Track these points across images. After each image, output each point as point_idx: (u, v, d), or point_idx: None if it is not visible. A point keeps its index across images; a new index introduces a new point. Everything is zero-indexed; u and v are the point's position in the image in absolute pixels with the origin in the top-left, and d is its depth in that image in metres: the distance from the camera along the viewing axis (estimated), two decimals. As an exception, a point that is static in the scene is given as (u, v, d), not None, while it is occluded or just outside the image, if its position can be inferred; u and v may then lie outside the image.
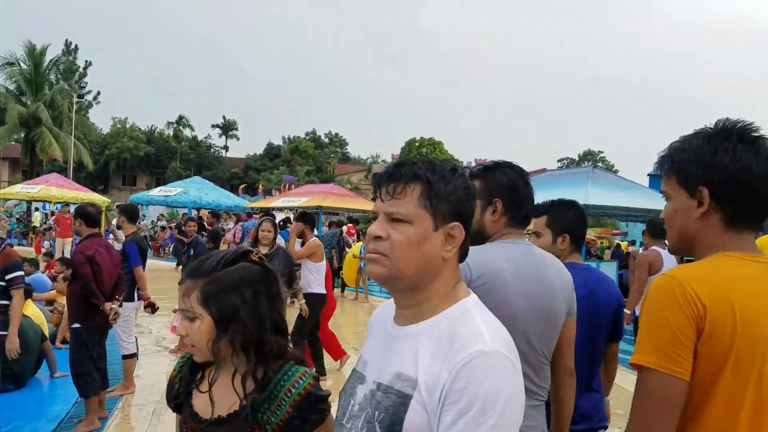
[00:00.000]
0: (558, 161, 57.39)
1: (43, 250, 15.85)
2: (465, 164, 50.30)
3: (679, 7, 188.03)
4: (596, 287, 2.50)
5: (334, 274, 10.72)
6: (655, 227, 5.94)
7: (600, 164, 41.23)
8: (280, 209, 19.02)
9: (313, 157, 60.24)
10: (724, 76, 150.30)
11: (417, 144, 38.81)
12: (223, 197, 23.81)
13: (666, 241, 1.66)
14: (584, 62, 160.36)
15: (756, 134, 1.29)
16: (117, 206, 16.36)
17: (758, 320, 1.21)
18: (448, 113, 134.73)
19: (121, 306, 5.12)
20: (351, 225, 15.99)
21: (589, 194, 10.34)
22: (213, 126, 65.11)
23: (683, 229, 1.35)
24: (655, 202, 11.94)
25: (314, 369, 5.83)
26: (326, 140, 71.97)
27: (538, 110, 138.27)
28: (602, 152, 57.39)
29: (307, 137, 66.96)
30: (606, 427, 2.58)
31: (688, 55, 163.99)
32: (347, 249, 13.20)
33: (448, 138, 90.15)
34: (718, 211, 1.30)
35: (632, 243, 19.92)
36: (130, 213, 6.02)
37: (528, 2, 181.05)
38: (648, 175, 25.32)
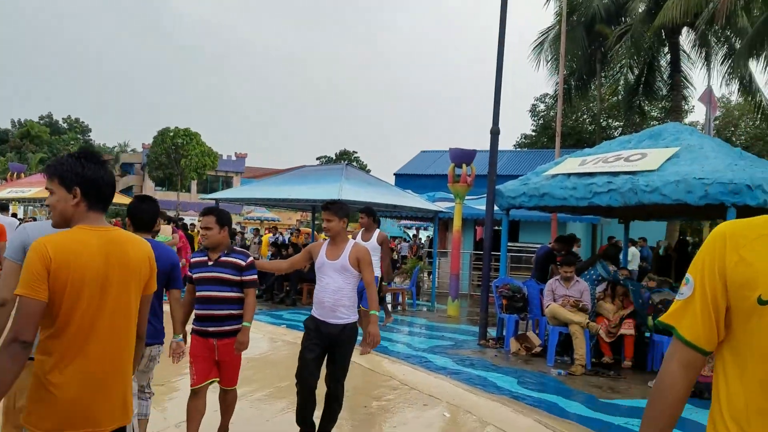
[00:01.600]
0: (317, 159, 59.42)
1: None
2: (225, 157, 49.17)
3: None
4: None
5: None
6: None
7: (354, 163, 43.67)
8: (8, 200, 16.68)
9: (49, 143, 53.99)
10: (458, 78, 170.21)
11: (171, 134, 36.71)
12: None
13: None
14: (339, 67, 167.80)
15: (102, 159, 2.27)
16: None
17: (82, 265, 2.07)
18: (210, 104, 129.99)
19: None
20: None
21: (342, 189, 11.06)
22: None
23: (64, 212, 2.19)
24: (401, 198, 13.25)
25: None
26: (65, 126, 65.02)
27: (301, 110, 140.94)
28: (356, 152, 60.91)
29: (42, 122, 60.07)
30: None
31: (428, 62, 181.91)
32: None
33: (207, 130, 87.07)
34: (84, 201, 2.18)
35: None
36: None
37: (281, 6, 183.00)
38: (394, 174, 27.71)
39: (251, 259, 4.14)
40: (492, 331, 9.34)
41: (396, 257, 17.31)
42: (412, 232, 26.76)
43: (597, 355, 7.77)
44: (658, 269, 11.27)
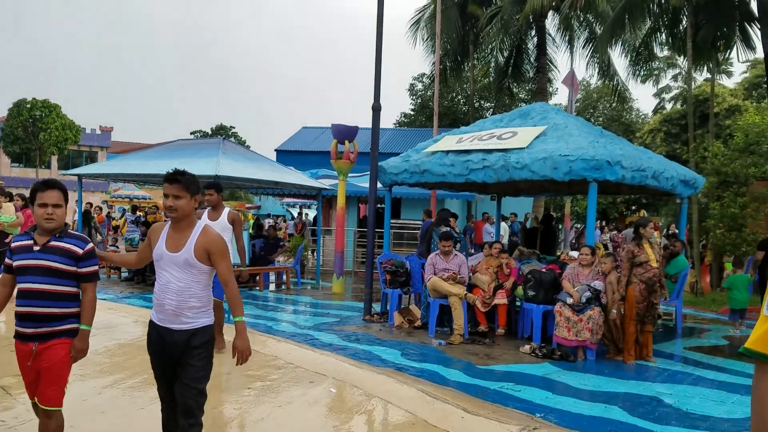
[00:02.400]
0: (191, 133, 56.78)
1: None
2: (88, 131, 45.59)
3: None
4: None
5: None
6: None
7: (232, 138, 42.24)
8: None
9: None
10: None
11: (28, 106, 33.53)
12: None
13: None
14: (215, 39, 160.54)
15: None
16: None
17: None
18: (73, 75, 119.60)
19: None
20: None
21: (220, 164, 10.65)
22: None
23: None
24: (282, 174, 13.00)
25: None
26: None
27: (175, 83, 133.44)
28: (234, 127, 58.96)
29: None
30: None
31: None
32: None
33: (68, 102, 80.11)
34: None
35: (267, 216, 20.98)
36: None
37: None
38: (275, 150, 27.17)
39: (90, 245, 3.32)
40: (376, 306, 9.50)
41: (280, 236, 17.05)
42: (295, 211, 26.50)
43: (474, 324, 8.17)
44: (527, 242, 12.00)
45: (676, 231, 16.06)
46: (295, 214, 25.33)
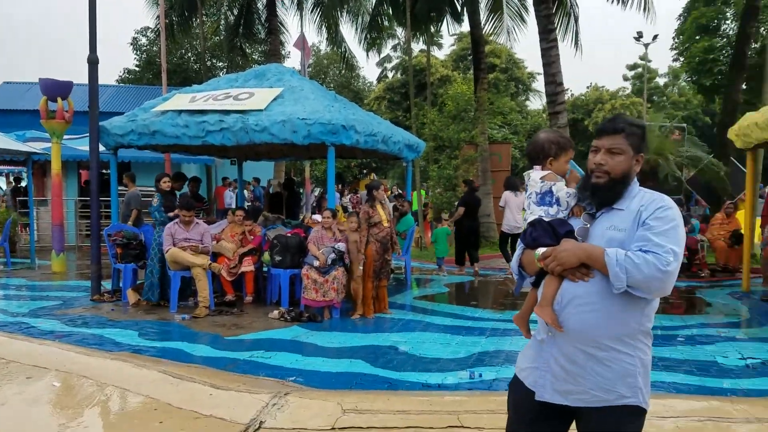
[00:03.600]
0: None
1: None
2: None
3: None
4: None
5: None
6: None
7: None
8: None
9: None
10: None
11: None
12: None
13: None
14: None
15: None
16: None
17: None
18: None
19: None
20: None
21: None
22: None
23: None
24: None
25: None
26: None
27: None
28: None
29: None
30: None
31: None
32: None
33: None
34: None
35: None
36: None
37: None
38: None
39: None
40: (107, 284, 8.58)
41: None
42: (2, 181, 22.41)
43: (221, 294, 7.88)
44: (271, 207, 11.95)
45: (401, 192, 17.64)
46: (3, 185, 21.56)
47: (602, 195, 2.01)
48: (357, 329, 6.66)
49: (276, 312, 7.17)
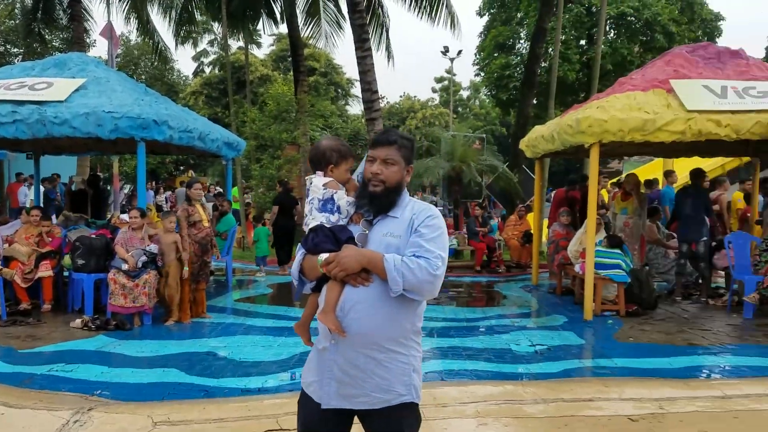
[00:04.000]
0: None
1: None
2: None
3: None
4: None
5: None
6: None
7: None
8: None
9: None
10: None
11: None
12: None
13: None
14: None
15: None
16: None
17: None
18: None
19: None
20: None
21: None
22: None
23: None
24: None
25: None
26: None
27: None
28: None
29: None
30: None
31: None
32: None
33: None
34: None
35: None
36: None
37: None
38: None
39: None
40: None
41: None
42: None
43: (15, 302, 7.06)
44: (73, 206, 10.87)
45: (220, 190, 17.14)
46: None
47: (379, 203, 2.12)
48: (172, 336, 6.38)
49: (79, 321, 6.60)
